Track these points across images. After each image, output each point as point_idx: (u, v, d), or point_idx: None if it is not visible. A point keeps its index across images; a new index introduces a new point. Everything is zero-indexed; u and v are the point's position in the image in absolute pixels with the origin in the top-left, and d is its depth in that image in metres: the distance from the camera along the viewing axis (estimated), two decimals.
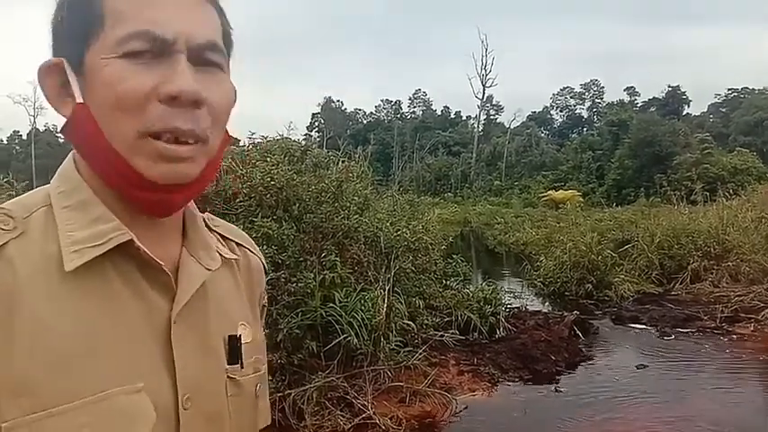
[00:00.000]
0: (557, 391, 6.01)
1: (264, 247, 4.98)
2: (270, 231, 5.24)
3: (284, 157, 6.80)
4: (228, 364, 0.79)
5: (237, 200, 5.68)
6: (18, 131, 68.34)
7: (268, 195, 5.74)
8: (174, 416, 0.70)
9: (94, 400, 0.64)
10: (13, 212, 0.69)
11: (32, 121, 58.22)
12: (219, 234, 0.88)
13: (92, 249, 0.67)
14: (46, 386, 0.62)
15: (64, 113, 0.71)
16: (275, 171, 5.82)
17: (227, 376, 0.79)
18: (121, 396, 0.66)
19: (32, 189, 0.77)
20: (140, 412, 0.67)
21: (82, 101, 0.69)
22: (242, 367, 0.81)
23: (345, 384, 5.19)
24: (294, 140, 10.17)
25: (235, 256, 0.88)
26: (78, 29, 0.69)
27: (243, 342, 0.81)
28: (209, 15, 0.73)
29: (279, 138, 8.62)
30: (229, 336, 0.80)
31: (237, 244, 0.91)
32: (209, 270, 0.79)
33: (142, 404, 0.67)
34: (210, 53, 0.71)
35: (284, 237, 5.37)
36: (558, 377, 6.37)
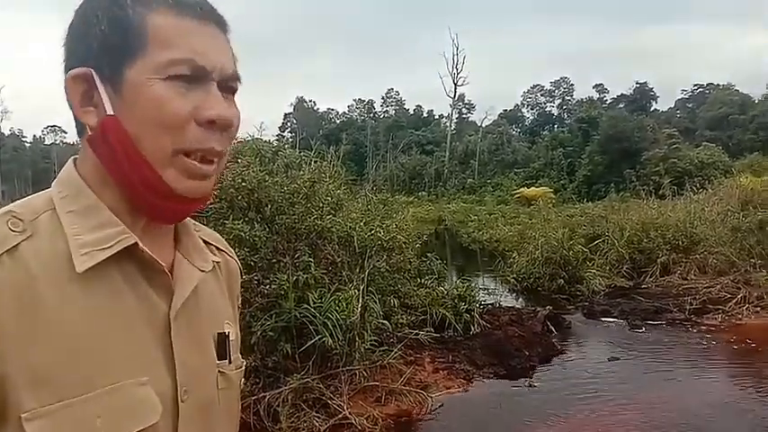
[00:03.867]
0: (531, 385, 6.08)
1: (236, 249, 4.89)
2: (241, 233, 5.20)
3: (255, 157, 6.74)
4: (218, 360, 0.84)
5: (208, 202, 5.61)
6: None
7: (239, 197, 5.69)
8: (173, 407, 0.75)
9: (107, 391, 0.69)
10: (22, 215, 0.72)
11: None
12: (201, 239, 0.92)
13: (100, 252, 0.71)
14: (62, 379, 0.67)
15: (86, 121, 0.75)
16: (246, 172, 5.77)
17: (218, 371, 0.84)
18: (131, 388, 0.71)
19: None
20: (148, 403, 0.72)
21: (112, 113, 0.73)
22: (230, 362, 0.86)
23: (321, 385, 5.18)
24: (266, 141, 10.12)
25: (218, 259, 0.93)
26: (118, 44, 0.73)
27: (230, 339, 0.87)
28: (230, 47, 0.80)
29: (250, 138, 8.56)
30: (218, 333, 0.86)
31: (217, 248, 0.95)
32: (202, 271, 0.85)
33: (149, 396, 0.72)
34: (233, 82, 0.79)
35: (256, 238, 5.33)
36: (532, 372, 6.44)
